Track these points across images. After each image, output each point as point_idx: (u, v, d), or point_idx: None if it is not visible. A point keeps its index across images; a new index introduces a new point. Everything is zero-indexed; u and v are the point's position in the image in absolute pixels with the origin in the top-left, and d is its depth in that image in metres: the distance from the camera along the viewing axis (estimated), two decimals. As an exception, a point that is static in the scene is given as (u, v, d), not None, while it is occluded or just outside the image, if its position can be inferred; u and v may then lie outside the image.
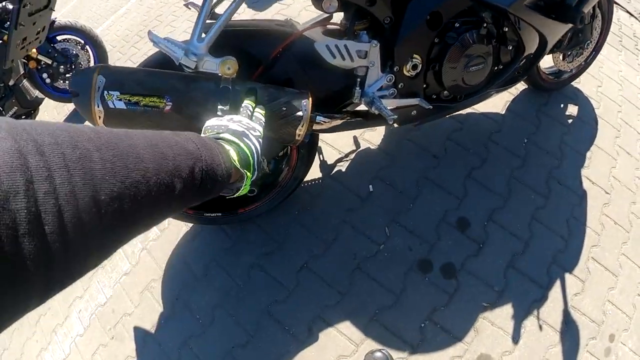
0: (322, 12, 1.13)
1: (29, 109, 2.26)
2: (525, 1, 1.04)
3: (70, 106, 2.64)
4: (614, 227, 1.44)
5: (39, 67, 2.22)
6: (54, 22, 2.11)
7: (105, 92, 0.79)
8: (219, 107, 0.83)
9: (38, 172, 0.26)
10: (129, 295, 1.49)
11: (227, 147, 0.55)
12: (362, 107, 1.10)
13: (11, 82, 2.06)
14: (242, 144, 0.59)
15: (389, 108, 1.01)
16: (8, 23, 2.02)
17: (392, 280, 1.27)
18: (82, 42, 2.33)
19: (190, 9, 1.03)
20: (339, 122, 1.05)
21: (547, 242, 1.36)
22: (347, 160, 1.54)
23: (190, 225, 1.52)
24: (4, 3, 1.81)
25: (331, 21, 1.10)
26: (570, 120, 1.65)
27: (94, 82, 0.79)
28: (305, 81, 0.97)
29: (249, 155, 0.58)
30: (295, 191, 1.33)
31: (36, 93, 2.27)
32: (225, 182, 0.51)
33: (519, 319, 1.24)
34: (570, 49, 1.46)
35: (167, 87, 0.82)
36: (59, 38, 2.27)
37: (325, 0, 0.91)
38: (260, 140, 0.65)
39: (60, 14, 3.71)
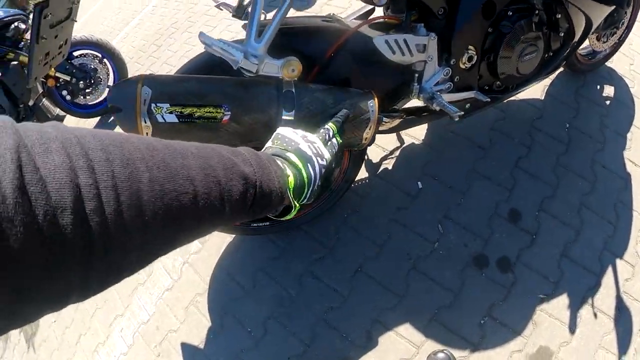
0: (364, 5, 1.12)
1: None
2: None
3: (92, 122, 2.63)
4: None
5: (58, 85, 2.22)
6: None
7: (153, 104, 0.73)
8: (284, 113, 0.78)
9: (87, 189, 0.27)
10: (173, 311, 1.49)
11: (288, 171, 0.55)
12: (413, 104, 1.09)
13: (31, 102, 2.05)
14: (303, 171, 0.57)
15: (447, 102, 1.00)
16: (22, 43, 2.00)
17: (449, 279, 1.28)
18: (100, 55, 2.33)
19: (222, 10, 1.01)
20: (397, 121, 1.04)
21: (597, 229, 1.38)
22: (392, 158, 1.54)
23: (234, 235, 1.52)
24: (16, 24, 1.79)
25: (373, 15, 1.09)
26: (607, 102, 1.66)
27: (139, 94, 0.72)
28: (362, 80, 0.96)
29: (306, 184, 0.57)
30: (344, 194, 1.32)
31: (57, 111, 2.27)
32: (275, 207, 0.52)
33: (574, 308, 1.25)
34: (605, 29, 1.47)
35: (224, 95, 0.76)
36: (75, 54, 2.29)
37: None
38: (324, 170, 0.62)
39: (73, 30, 3.70)
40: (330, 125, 0.71)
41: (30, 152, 0.26)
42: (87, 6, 4.46)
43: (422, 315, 1.24)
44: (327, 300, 1.30)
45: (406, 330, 1.23)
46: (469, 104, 1.13)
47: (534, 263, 1.30)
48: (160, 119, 0.73)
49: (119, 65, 2.41)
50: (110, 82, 2.51)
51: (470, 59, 1.04)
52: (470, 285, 1.27)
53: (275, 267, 1.40)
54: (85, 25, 3.88)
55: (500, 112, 1.61)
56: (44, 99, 2.18)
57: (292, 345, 1.27)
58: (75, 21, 1.23)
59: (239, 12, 0.96)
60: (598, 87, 1.69)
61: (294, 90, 0.79)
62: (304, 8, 2.39)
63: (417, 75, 1.00)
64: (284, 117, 0.78)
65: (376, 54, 0.92)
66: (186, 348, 1.41)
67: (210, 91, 0.75)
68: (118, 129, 0.81)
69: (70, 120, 2.55)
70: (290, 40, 0.90)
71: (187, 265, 1.55)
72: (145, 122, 0.73)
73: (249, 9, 0.95)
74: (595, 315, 1.24)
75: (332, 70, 0.93)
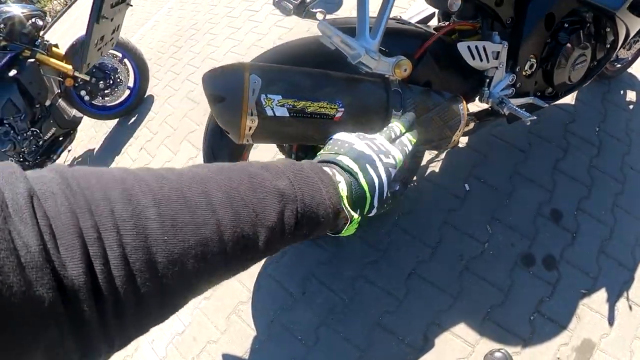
0: (426, 8, 1.17)
1: (68, 129, 2.17)
2: (627, 4, 1.15)
3: (111, 124, 2.55)
4: None
5: (76, 85, 2.14)
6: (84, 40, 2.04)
7: (263, 96, 0.67)
8: (393, 113, 0.79)
9: (88, 233, 0.26)
10: (212, 321, 1.49)
11: (339, 177, 0.47)
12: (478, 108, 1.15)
13: (47, 102, 1.98)
14: (360, 175, 0.48)
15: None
16: (39, 41, 1.93)
17: (500, 278, 1.35)
18: (120, 55, 2.28)
19: (283, 6, 1.02)
20: (472, 124, 1.10)
21: (629, 226, 1.49)
22: (438, 161, 1.61)
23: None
24: (33, 20, 1.72)
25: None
26: (630, 106, 1.79)
27: (247, 83, 0.67)
28: (443, 83, 1.01)
29: (367, 190, 0.48)
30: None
31: (73, 112, 2.19)
32: (329, 224, 0.45)
33: (611, 301, 1.34)
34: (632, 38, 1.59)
35: (338, 90, 0.73)
36: None
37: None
38: (392, 170, 0.52)
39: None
40: (396, 124, 0.62)
41: (40, 198, 0.25)
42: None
43: (476, 315, 1.30)
44: (382, 304, 1.34)
45: (461, 330, 1.28)
46: (524, 109, 1.20)
47: (575, 260, 1.39)
48: (269, 112, 0.68)
49: (140, 65, 2.36)
50: (131, 83, 2.46)
51: (531, 66, 1.13)
52: (519, 283, 1.34)
53: (326, 272, 1.42)
54: None
55: (536, 116, 1.69)
56: (60, 100, 2.10)
57: (347, 352, 1.30)
58: (131, 5, 1.14)
59: (299, 10, 0.97)
60: (622, 92, 1.82)
61: (400, 90, 0.80)
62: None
63: (488, 80, 1.07)
64: (394, 115, 0.77)
65: (457, 58, 0.98)
66: (228, 359, 1.40)
67: (325, 85, 0.73)
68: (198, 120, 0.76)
69: (87, 122, 2.47)
70: (384, 40, 0.89)
71: (228, 274, 1.54)
72: (252, 115, 0.67)
73: (310, 8, 0.97)
74: (630, 307, 1.33)
75: (418, 72, 0.95)
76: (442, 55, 0.99)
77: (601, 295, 1.35)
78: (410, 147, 0.58)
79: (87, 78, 2.17)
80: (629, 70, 1.89)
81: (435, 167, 1.60)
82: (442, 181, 1.56)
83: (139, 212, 0.29)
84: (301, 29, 2.32)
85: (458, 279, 1.35)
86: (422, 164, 1.59)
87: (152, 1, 3.61)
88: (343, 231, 0.49)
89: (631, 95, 1.82)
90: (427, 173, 1.58)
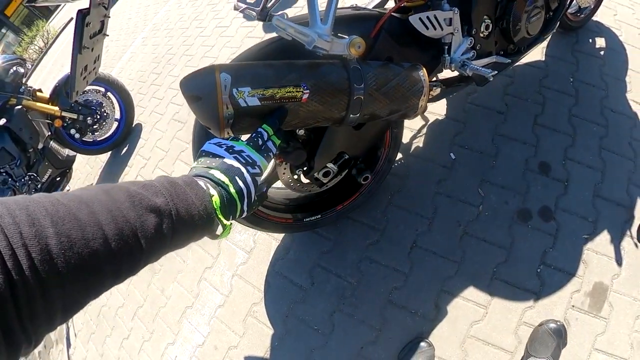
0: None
1: (63, 169, 2.28)
2: None
3: (104, 157, 2.65)
4: None
5: (65, 125, 2.24)
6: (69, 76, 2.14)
7: (234, 89, 0.74)
8: (355, 87, 0.86)
9: (4, 251, 0.34)
10: (230, 327, 1.55)
11: (212, 190, 0.56)
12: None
13: (40, 145, 2.07)
14: (231, 187, 0.58)
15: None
16: (23, 88, 2.03)
17: (500, 236, 1.41)
18: (103, 89, 2.38)
19: (247, 13, 1.10)
20: (438, 90, 1.18)
21: (620, 166, 1.55)
22: (421, 136, 1.68)
23: (280, 239, 1.59)
24: (14, 68, 1.82)
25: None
26: (602, 52, 1.85)
27: (218, 80, 0.74)
28: (402, 57, 1.08)
29: (237, 199, 0.59)
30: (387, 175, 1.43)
31: (66, 152, 2.29)
32: (206, 230, 0.55)
33: (616, 242, 1.39)
34: (589, -16, 1.67)
35: (301, 75, 0.81)
36: None
37: None
38: (258, 178, 0.63)
39: (68, 67, 3.72)
40: (265, 127, 0.72)
41: None
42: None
43: (483, 276, 1.35)
44: (390, 281, 1.40)
45: (471, 293, 1.34)
46: (490, 69, 1.27)
47: (572, 207, 1.45)
48: (242, 103, 0.75)
49: (123, 96, 2.47)
50: (117, 115, 2.56)
51: (487, 27, 1.20)
52: (520, 239, 1.40)
53: (331, 260, 1.49)
54: None
55: (508, 77, 1.79)
56: (51, 141, 2.21)
57: (364, 333, 1.36)
58: (107, 35, 1.25)
59: (262, 15, 1.06)
60: (590, 40, 1.89)
61: (359, 66, 0.89)
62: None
63: (446, 47, 1.15)
64: (355, 94, 0.86)
65: (411, 31, 1.06)
66: (251, 360, 1.46)
67: (288, 72, 0.81)
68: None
69: (80, 160, 2.57)
70: (338, 29, 0.97)
71: (237, 278, 1.61)
72: (227, 108, 0.75)
73: (272, 12, 1.06)
74: (636, 245, 1.39)
75: (376, 50, 1.04)
76: (398, 31, 1.07)
77: (604, 237, 1.40)
78: (274, 150, 0.70)
79: (75, 116, 2.26)
80: (595, 18, 1.96)
81: (419, 142, 1.66)
82: (427, 154, 1.62)
83: (41, 232, 0.37)
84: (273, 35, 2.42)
85: (459, 245, 1.41)
86: (404, 141, 1.66)
87: (126, 34, 3.74)
88: (220, 236, 0.59)
89: (600, 42, 1.89)
90: (412, 149, 1.65)
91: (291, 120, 0.82)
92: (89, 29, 1.17)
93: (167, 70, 2.80)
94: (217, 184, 0.58)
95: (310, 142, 1.14)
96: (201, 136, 1.05)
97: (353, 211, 1.47)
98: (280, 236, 1.63)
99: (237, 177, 0.59)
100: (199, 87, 0.77)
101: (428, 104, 1.38)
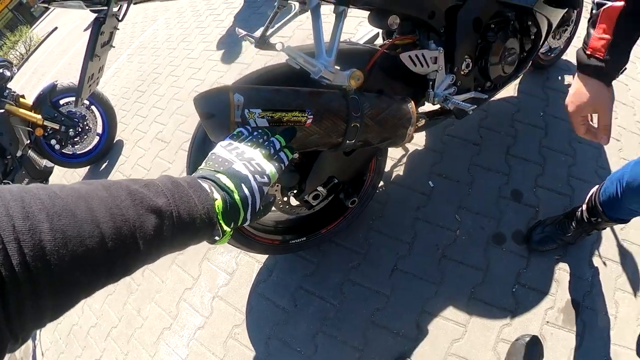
0: (371, 30, 1.41)
1: (40, 179, 2.27)
2: None
3: (82, 171, 2.64)
4: None
5: (46, 134, 2.25)
6: (55, 85, 2.17)
7: (246, 110, 0.80)
8: (353, 115, 0.96)
9: None
10: (210, 349, 1.58)
11: (216, 194, 0.56)
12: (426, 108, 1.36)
13: (18, 153, 2.07)
14: (236, 193, 0.58)
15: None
16: (7, 91, 2.05)
17: (476, 259, 1.51)
18: (87, 102, 2.40)
19: (246, 40, 1.20)
20: (423, 121, 1.31)
21: (586, 192, 1.67)
22: (401, 165, 1.80)
23: (262, 261, 1.66)
24: (1, 70, 1.86)
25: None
26: (570, 88, 2.05)
27: (231, 100, 0.80)
28: (392, 90, 1.20)
29: (240, 207, 0.58)
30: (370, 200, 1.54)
31: (44, 162, 2.29)
32: (206, 234, 0.55)
33: (585, 262, 1.52)
34: (558, 28, 1.87)
35: (306, 101, 0.89)
36: (62, 101, 2.33)
37: (390, 18, 1.14)
38: (265, 188, 0.62)
39: (50, 77, 3.70)
40: (277, 137, 0.73)
41: None
42: (57, 58, 4.47)
43: (461, 296, 1.45)
44: (372, 303, 1.48)
45: (451, 313, 1.43)
46: (469, 103, 1.42)
47: (544, 231, 1.58)
48: (252, 124, 0.81)
49: (107, 111, 2.49)
50: (99, 130, 2.57)
51: (467, 66, 1.33)
52: (495, 260, 1.51)
53: (313, 283, 1.56)
54: (59, 74, 3.93)
55: (483, 111, 1.95)
56: (30, 150, 2.20)
57: (346, 354, 1.42)
58: (114, 46, 1.31)
59: (260, 42, 1.17)
60: (560, 77, 2.10)
61: (357, 97, 0.99)
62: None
63: (431, 82, 1.28)
64: (352, 121, 0.95)
65: (400, 67, 1.18)
66: (232, 385, 1.50)
67: (294, 98, 0.90)
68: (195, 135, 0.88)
69: (57, 172, 2.57)
70: (336, 60, 1.07)
71: (218, 300, 1.66)
72: (238, 127, 0.79)
73: (270, 40, 1.17)
74: (604, 263, 1.52)
75: (369, 83, 1.14)
76: (389, 66, 1.18)
77: (574, 258, 1.52)
78: (286, 162, 0.69)
79: (57, 126, 2.27)
80: (565, 57, 2.17)
81: (399, 170, 1.78)
82: (407, 182, 1.74)
83: (35, 227, 0.36)
84: (257, 66, 2.53)
85: (438, 267, 1.50)
86: (386, 170, 1.76)
87: (112, 49, 3.82)
88: (219, 241, 0.58)
89: (569, 79, 2.09)
90: (392, 177, 1.76)
91: (293, 144, 0.91)
92: (102, 38, 1.24)
93: (152, 89, 2.87)
94: (222, 188, 0.57)
95: (302, 166, 1.23)
96: (199, 152, 1.13)
97: (336, 235, 1.56)
98: (263, 258, 1.69)
99: (243, 185, 0.59)
100: (213, 105, 0.82)
101: (420, 131, 1.52)
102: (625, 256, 1.54)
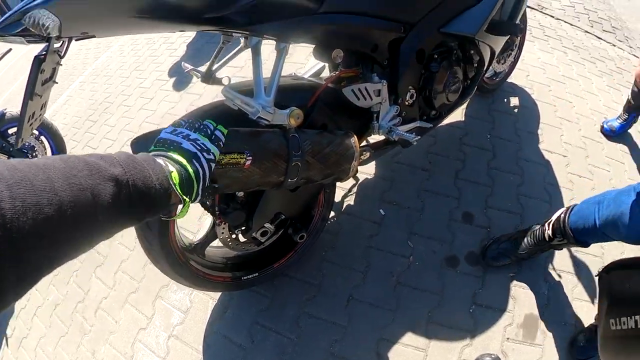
0: (317, 63, 1.43)
1: None
2: (484, 27, 1.45)
3: None
4: (581, 180, 1.95)
5: None
6: (4, 114, 2.10)
7: None
8: (293, 154, 0.95)
9: None
10: (163, 395, 1.54)
11: (171, 167, 0.60)
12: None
13: None
14: (189, 167, 0.63)
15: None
16: None
17: (431, 283, 1.54)
18: (37, 132, 2.34)
19: (191, 75, 1.18)
20: (368, 154, 1.34)
21: (537, 209, 1.78)
22: (352, 194, 1.82)
23: (217, 298, 1.64)
24: None
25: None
26: (516, 110, 2.16)
27: None
28: (336, 124, 1.21)
29: (194, 179, 0.63)
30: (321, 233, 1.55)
31: None
32: (163, 204, 0.57)
33: (540, 276, 1.59)
34: (502, 53, 1.96)
35: (245, 142, 0.89)
36: (10, 131, 2.25)
37: (334, 52, 1.16)
38: (213, 164, 0.69)
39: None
40: (208, 121, 0.79)
41: None
42: (6, 85, 4.33)
43: (419, 321, 1.47)
44: (330, 334, 1.47)
45: (410, 338, 1.44)
46: (414, 133, 1.46)
47: (497, 250, 1.63)
48: None
49: (57, 141, 2.42)
50: None
51: (411, 96, 1.37)
52: (450, 283, 1.54)
53: (269, 317, 1.55)
54: (9, 102, 3.79)
55: (432, 137, 2.02)
56: None
57: (307, 388, 1.42)
58: (57, 82, 1.28)
59: (206, 77, 1.16)
60: (505, 100, 2.21)
61: (297, 135, 0.98)
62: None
63: (375, 115, 1.30)
64: (293, 160, 0.95)
65: (344, 101, 1.20)
66: None
67: (232, 139, 0.87)
68: None
69: None
70: (278, 97, 1.06)
71: (173, 339, 1.62)
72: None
73: (216, 75, 1.16)
74: (559, 275, 1.59)
75: (313, 119, 1.15)
76: (333, 101, 1.20)
77: (529, 273, 1.58)
78: (223, 139, 0.76)
79: (5, 157, 2.15)
80: (510, 80, 2.28)
81: (350, 200, 1.80)
82: (358, 211, 1.76)
83: None
84: (208, 97, 2.54)
85: (393, 294, 1.52)
86: (336, 200, 1.77)
87: (63, 75, 3.70)
88: (177, 214, 0.64)
89: (514, 101, 2.20)
90: (343, 207, 1.78)
91: (233, 185, 0.89)
92: (42, 76, 1.22)
93: (103, 119, 2.81)
94: (176, 162, 0.62)
95: (248, 203, 1.21)
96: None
97: (289, 268, 1.57)
98: (217, 294, 1.65)
99: (194, 160, 0.65)
100: (146, 148, 0.81)
101: (359, 167, 1.54)
102: (579, 266, 1.63)
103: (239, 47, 1.18)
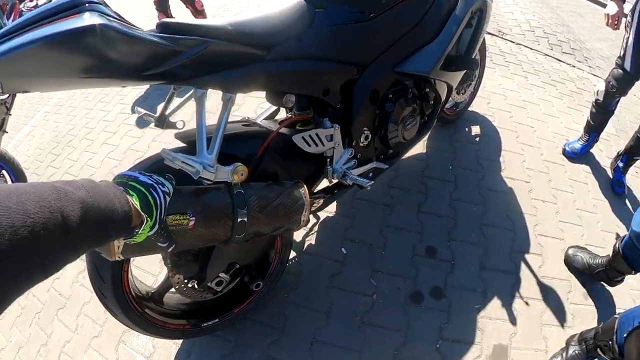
0: (271, 106, 1.43)
1: None
2: (438, 66, 1.47)
3: None
4: (544, 205, 2.00)
5: None
6: None
7: None
8: (239, 212, 0.95)
9: None
10: None
11: (131, 192, 0.68)
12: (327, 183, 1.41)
13: None
14: (148, 194, 0.71)
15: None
16: None
17: (396, 321, 1.54)
18: None
19: (145, 120, 1.17)
20: (322, 200, 1.34)
21: (501, 238, 1.81)
22: (313, 234, 1.82)
23: (180, 343, 1.61)
24: None
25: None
26: (477, 139, 2.21)
27: None
28: (288, 172, 1.21)
29: (153, 205, 0.71)
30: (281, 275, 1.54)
31: None
32: (125, 225, 0.64)
33: (507, 305, 1.61)
34: (462, 84, 2.01)
35: (187, 202, 0.88)
36: None
37: (285, 97, 1.18)
38: (167, 196, 0.77)
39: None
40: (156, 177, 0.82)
41: None
42: None
43: (385, 360, 1.46)
44: (293, 378, 1.47)
45: (377, 378, 1.43)
46: (372, 173, 1.47)
47: (460, 282, 1.65)
48: None
49: (18, 176, 2.35)
50: None
51: (366, 137, 1.37)
52: (416, 319, 1.55)
53: (233, 362, 1.53)
54: None
55: (393, 171, 2.05)
56: None
57: None
58: (6, 132, 1.27)
59: (160, 121, 1.13)
60: (467, 129, 2.26)
61: (243, 191, 0.98)
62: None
63: (328, 159, 1.30)
64: (239, 217, 0.95)
65: (296, 148, 1.19)
66: None
67: (175, 200, 0.86)
68: None
69: None
70: (226, 147, 1.06)
71: (137, 388, 1.58)
72: (118, 241, 0.79)
73: (170, 119, 1.13)
74: (527, 303, 1.62)
75: (263, 168, 1.15)
76: (284, 148, 1.19)
77: (495, 303, 1.60)
78: (172, 188, 0.82)
79: None
80: (471, 109, 2.34)
81: (311, 239, 1.80)
82: (320, 251, 1.76)
83: None
84: (170, 133, 2.51)
85: (358, 334, 1.51)
86: (298, 240, 1.78)
87: (29, 104, 3.64)
88: (136, 237, 0.70)
89: (476, 130, 2.26)
90: (305, 247, 1.77)
91: (180, 245, 0.88)
92: None
93: (66, 153, 2.76)
94: (135, 189, 0.70)
95: (202, 254, 1.19)
96: (95, 254, 1.05)
97: (251, 312, 1.55)
98: (180, 339, 1.64)
99: (151, 189, 0.73)
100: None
101: (317, 212, 1.53)
102: (546, 292, 1.66)
103: (189, 92, 1.18)
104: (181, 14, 3.83)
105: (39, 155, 2.91)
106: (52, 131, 3.11)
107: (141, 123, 1.20)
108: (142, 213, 0.67)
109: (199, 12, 3.68)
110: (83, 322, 1.73)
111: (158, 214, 0.73)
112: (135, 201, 0.66)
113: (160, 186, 0.76)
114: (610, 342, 1.27)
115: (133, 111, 1.23)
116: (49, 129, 3.17)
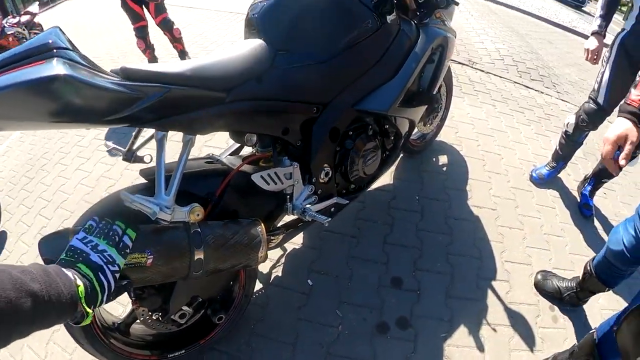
0: (234, 143, 1.48)
1: None
2: (397, 103, 1.52)
3: None
4: (511, 231, 2.06)
5: None
6: None
7: None
8: (195, 250, 0.99)
9: None
10: None
11: (79, 281, 0.71)
12: (289, 218, 1.44)
13: None
14: (95, 281, 0.74)
15: (315, 212, 1.38)
16: None
17: (362, 352, 1.57)
18: None
19: (113, 154, 1.19)
20: (281, 236, 1.37)
21: (467, 266, 1.86)
22: (280, 265, 1.85)
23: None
24: None
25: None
26: (444, 168, 2.28)
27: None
28: (248, 210, 1.24)
29: (99, 292, 0.74)
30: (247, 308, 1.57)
31: None
32: (70, 314, 0.69)
33: (474, 332, 1.64)
34: (428, 116, 2.08)
35: (145, 241, 0.92)
36: None
37: (246, 136, 1.23)
38: (117, 274, 0.80)
39: None
40: (118, 224, 0.87)
41: None
42: None
43: (351, 392, 1.48)
44: (259, 411, 1.47)
45: (342, 411, 1.45)
46: (333, 208, 1.51)
47: (427, 312, 1.69)
48: None
49: None
50: None
51: (326, 174, 1.42)
52: (382, 350, 1.57)
53: (198, 395, 1.53)
54: None
55: (360, 203, 2.10)
56: None
57: None
58: None
59: (128, 156, 1.17)
60: (434, 159, 2.33)
61: (199, 230, 1.02)
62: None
63: (288, 196, 1.33)
64: (196, 255, 0.99)
65: (255, 187, 1.23)
66: None
67: (137, 239, 0.90)
68: None
69: None
70: (187, 185, 1.11)
71: None
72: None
73: (138, 153, 1.17)
74: (494, 329, 1.66)
75: (223, 206, 1.19)
76: (244, 185, 1.23)
77: (462, 331, 1.64)
78: (130, 245, 0.86)
79: None
80: (438, 139, 2.41)
81: (278, 271, 1.83)
82: (286, 283, 1.79)
83: None
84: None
85: (324, 366, 1.55)
86: (264, 272, 1.82)
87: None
88: (83, 322, 0.73)
89: (443, 159, 2.33)
90: (271, 279, 1.80)
91: (140, 281, 0.93)
92: None
93: (39, 177, 2.76)
94: (84, 276, 0.73)
95: (165, 288, 1.21)
96: None
97: (218, 343, 1.57)
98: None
99: (100, 273, 0.76)
100: (52, 251, 0.87)
101: (277, 247, 1.55)
102: (514, 317, 1.70)
103: None
104: (159, 40, 3.90)
105: (13, 177, 2.90)
106: (27, 153, 3.10)
107: (112, 153, 1.23)
108: (84, 307, 0.71)
109: (176, 40, 3.76)
110: (52, 350, 1.72)
111: (104, 297, 0.77)
112: (81, 293, 0.70)
113: (110, 265, 0.79)
114: (591, 358, 1.32)
115: (105, 144, 1.26)
116: (24, 150, 3.16)
